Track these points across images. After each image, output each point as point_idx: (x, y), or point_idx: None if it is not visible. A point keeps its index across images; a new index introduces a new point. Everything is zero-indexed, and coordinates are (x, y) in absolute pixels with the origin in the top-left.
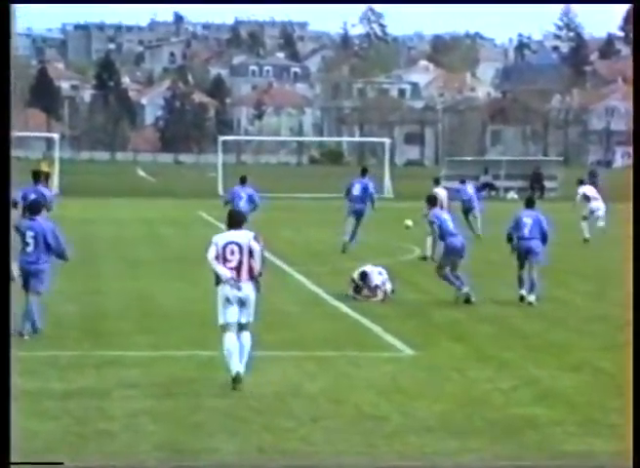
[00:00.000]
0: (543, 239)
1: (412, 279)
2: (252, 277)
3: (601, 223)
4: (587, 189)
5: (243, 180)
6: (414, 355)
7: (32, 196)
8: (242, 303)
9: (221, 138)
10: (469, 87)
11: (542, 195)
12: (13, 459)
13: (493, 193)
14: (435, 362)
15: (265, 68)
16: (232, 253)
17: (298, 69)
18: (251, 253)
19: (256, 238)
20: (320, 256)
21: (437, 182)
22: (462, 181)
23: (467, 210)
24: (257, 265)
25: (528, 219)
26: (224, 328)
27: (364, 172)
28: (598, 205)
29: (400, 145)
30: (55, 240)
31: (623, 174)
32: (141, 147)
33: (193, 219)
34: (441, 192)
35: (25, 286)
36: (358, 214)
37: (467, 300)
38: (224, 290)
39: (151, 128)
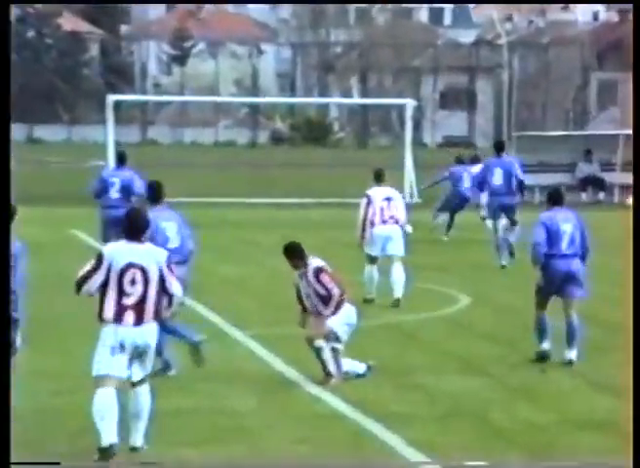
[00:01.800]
0: (583, 256)
1: (451, 348)
2: (157, 315)
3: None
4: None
5: (121, 159)
6: None
7: None
8: (139, 354)
9: (112, 99)
10: (560, 5)
11: None
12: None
13: (601, 195)
14: None
15: None
16: (133, 282)
17: None
18: (162, 282)
19: (169, 264)
20: (292, 310)
21: (380, 178)
22: (460, 161)
23: (457, 204)
24: (162, 306)
25: (567, 226)
26: (101, 380)
27: (500, 147)
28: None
29: (433, 111)
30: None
31: None
32: None
33: (63, 243)
34: (378, 194)
35: None
36: (508, 211)
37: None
38: (116, 332)
39: None
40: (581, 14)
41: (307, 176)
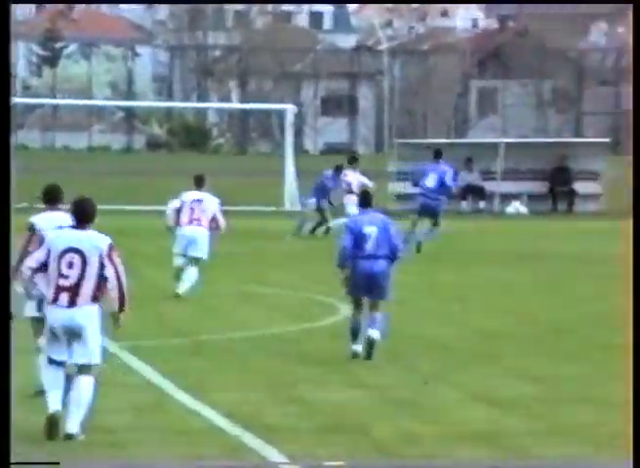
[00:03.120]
0: (392, 258)
1: (333, 359)
2: (95, 299)
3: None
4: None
5: None
6: None
7: None
8: (74, 336)
9: None
10: (440, 10)
11: (572, 207)
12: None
13: (482, 204)
14: None
15: None
16: (70, 265)
17: None
18: (102, 268)
19: (111, 249)
20: (167, 319)
21: (200, 183)
22: (338, 168)
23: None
24: (115, 294)
25: (371, 228)
26: (48, 361)
27: (438, 154)
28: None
29: (314, 117)
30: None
31: None
32: None
33: None
34: (190, 196)
35: None
36: (432, 212)
37: None
38: (50, 314)
39: None
40: (461, 20)
41: (185, 183)
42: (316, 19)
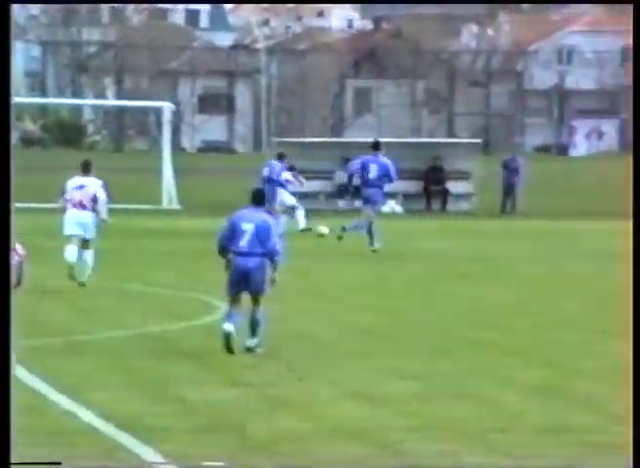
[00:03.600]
0: (270, 256)
1: (211, 358)
2: None
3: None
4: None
5: None
6: None
7: None
8: None
9: None
10: (315, 10)
11: (445, 206)
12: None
13: (358, 203)
14: None
15: None
16: None
17: None
18: None
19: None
20: (42, 318)
21: (86, 169)
22: (280, 156)
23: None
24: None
25: (248, 225)
26: None
27: (377, 146)
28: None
29: (192, 115)
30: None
31: (587, 166)
32: None
33: None
34: (73, 182)
35: None
36: (373, 202)
37: None
38: None
39: None
40: (336, 21)
41: (60, 180)
42: (192, 16)
